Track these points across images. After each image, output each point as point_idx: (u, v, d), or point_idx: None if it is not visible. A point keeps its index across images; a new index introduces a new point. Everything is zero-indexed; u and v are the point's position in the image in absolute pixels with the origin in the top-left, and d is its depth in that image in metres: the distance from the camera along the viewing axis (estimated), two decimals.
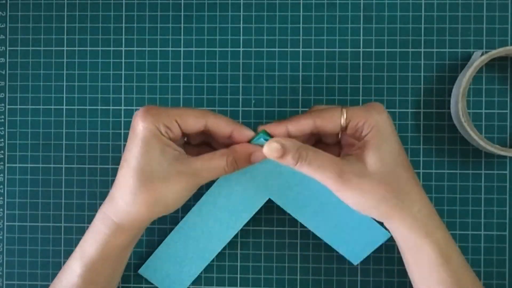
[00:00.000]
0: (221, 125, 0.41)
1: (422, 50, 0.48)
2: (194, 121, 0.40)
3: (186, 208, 0.46)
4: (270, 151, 0.39)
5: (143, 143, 0.39)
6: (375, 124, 0.39)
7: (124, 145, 0.49)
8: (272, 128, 0.41)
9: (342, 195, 0.39)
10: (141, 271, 0.47)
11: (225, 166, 0.40)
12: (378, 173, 0.38)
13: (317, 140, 0.44)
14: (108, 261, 0.42)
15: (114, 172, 0.49)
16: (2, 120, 0.50)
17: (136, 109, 0.49)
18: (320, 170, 0.39)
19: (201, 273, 0.49)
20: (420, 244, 0.39)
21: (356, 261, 0.46)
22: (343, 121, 0.40)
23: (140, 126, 0.39)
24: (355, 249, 0.46)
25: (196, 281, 0.49)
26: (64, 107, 0.50)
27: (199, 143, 0.45)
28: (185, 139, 0.44)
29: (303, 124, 0.40)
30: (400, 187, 0.39)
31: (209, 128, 0.41)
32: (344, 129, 0.40)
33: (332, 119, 0.40)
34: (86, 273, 0.42)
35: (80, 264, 0.42)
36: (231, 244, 0.49)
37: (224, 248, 0.49)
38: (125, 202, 0.40)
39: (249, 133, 0.41)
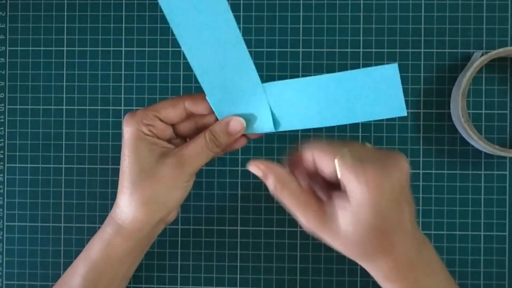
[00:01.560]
0: (198, 101, 0.41)
1: (422, 50, 0.48)
2: (172, 109, 0.41)
3: (186, 209, 0.46)
4: (252, 168, 0.38)
5: (129, 146, 0.40)
6: (351, 196, 0.36)
7: None
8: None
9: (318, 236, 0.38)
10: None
11: (205, 144, 0.40)
12: (347, 237, 0.36)
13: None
14: (110, 262, 0.42)
15: (114, 172, 0.49)
16: (2, 120, 0.50)
17: (136, 109, 0.49)
18: (294, 210, 0.37)
19: (201, 273, 0.49)
20: None
21: (402, 111, 0.39)
22: (339, 174, 0.36)
23: (124, 131, 0.40)
24: (388, 102, 0.39)
25: (196, 282, 0.49)
26: (64, 107, 0.50)
27: (192, 133, 0.44)
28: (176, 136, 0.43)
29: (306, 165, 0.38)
30: (367, 253, 0.37)
31: (190, 110, 0.41)
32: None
33: (328, 164, 0.37)
34: (89, 273, 0.42)
35: (84, 263, 0.42)
36: (231, 244, 0.49)
37: (224, 248, 0.49)
38: (124, 204, 0.40)
39: None
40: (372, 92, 0.39)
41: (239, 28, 0.49)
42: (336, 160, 0.36)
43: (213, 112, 0.41)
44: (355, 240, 0.36)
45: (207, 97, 0.40)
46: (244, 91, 0.40)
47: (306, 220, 0.37)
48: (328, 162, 0.37)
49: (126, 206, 0.40)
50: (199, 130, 0.42)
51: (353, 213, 0.36)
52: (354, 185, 0.35)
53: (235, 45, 0.38)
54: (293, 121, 0.40)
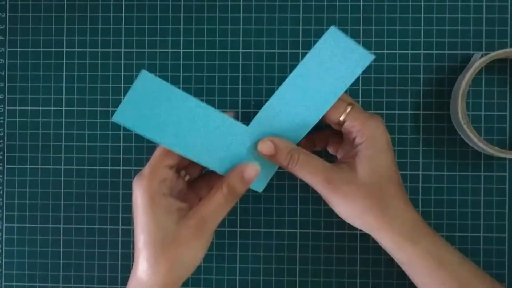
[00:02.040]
0: None
1: (422, 51, 0.48)
2: (172, 153, 0.40)
3: None
4: (262, 149, 0.40)
5: (146, 214, 0.39)
6: (369, 135, 0.40)
7: (124, 147, 0.49)
8: None
9: (330, 201, 0.40)
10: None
11: (223, 199, 0.40)
12: (365, 184, 0.39)
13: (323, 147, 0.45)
14: None
15: (114, 173, 0.49)
16: (1, 121, 0.50)
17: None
18: (310, 175, 0.40)
19: (200, 274, 0.49)
20: (410, 254, 0.40)
21: (368, 56, 0.40)
22: (343, 116, 0.41)
23: (138, 197, 0.39)
24: (352, 58, 0.40)
25: (196, 282, 0.49)
26: (64, 108, 0.50)
27: (204, 175, 0.45)
28: (186, 178, 0.43)
29: None
30: (384, 200, 0.39)
31: None
32: (340, 124, 0.41)
33: (336, 109, 0.41)
34: None
35: None
36: (230, 245, 0.49)
37: (223, 249, 0.49)
38: (148, 276, 0.39)
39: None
40: (334, 61, 0.40)
41: (239, 29, 0.49)
42: (349, 107, 0.40)
43: None
44: (372, 186, 0.39)
45: (206, 166, 0.41)
46: (234, 143, 0.41)
47: (322, 179, 0.39)
48: (337, 107, 0.40)
49: (151, 277, 0.39)
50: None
51: (368, 160, 0.39)
52: (372, 130, 0.40)
53: (204, 114, 0.40)
54: (292, 135, 0.41)
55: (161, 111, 0.39)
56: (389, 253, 0.41)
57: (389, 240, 0.40)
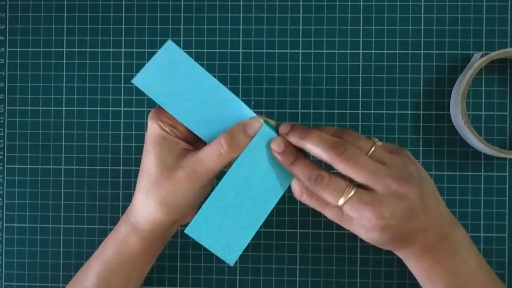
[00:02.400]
0: None
1: (422, 52, 0.48)
2: None
3: None
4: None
5: (151, 143, 0.40)
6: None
7: (124, 146, 0.49)
8: (292, 135, 0.39)
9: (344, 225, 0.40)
10: (187, 231, 0.39)
11: (221, 148, 0.39)
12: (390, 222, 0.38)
13: None
14: (122, 262, 0.42)
15: (114, 173, 0.49)
16: (2, 121, 0.50)
17: (135, 111, 0.49)
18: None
19: (200, 274, 0.49)
20: (429, 272, 0.40)
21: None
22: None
23: (148, 127, 0.40)
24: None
25: (195, 282, 0.49)
26: (64, 108, 0.50)
27: None
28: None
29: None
30: (405, 236, 0.38)
31: None
32: None
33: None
34: (102, 272, 0.42)
35: (98, 262, 0.42)
36: None
37: None
38: (139, 203, 0.40)
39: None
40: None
41: (239, 29, 0.49)
42: (372, 149, 0.38)
43: None
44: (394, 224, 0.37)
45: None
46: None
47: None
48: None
49: (141, 206, 0.40)
50: None
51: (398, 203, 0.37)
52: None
53: (220, 95, 0.39)
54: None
55: (179, 83, 0.39)
56: (411, 269, 0.41)
57: (412, 261, 0.40)
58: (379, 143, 0.39)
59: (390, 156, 0.39)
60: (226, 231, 0.39)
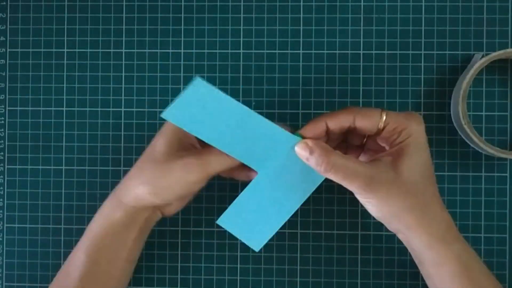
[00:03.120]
0: None
1: (423, 52, 0.48)
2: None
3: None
4: (299, 150, 0.40)
5: (167, 129, 0.41)
6: (413, 133, 0.39)
7: (124, 147, 0.49)
8: (308, 129, 0.41)
9: (367, 202, 0.39)
10: (219, 221, 0.42)
11: (228, 158, 0.40)
12: (407, 182, 0.38)
13: (342, 141, 0.44)
14: (109, 236, 0.42)
15: (114, 173, 0.49)
16: (2, 122, 0.50)
17: (136, 111, 0.49)
18: (347, 179, 0.38)
19: (201, 275, 0.49)
20: (440, 255, 0.39)
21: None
22: (381, 123, 0.40)
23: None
24: None
25: (196, 283, 0.49)
26: (64, 108, 0.50)
27: None
28: None
29: (342, 121, 0.40)
30: (425, 200, 0.39)
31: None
32: (380, 131, 0.40)
33: (372, 119, 0.40)
34: (90, 249, 0.42)
35: (86, 238, 0.43)
36: (231, 246, 0.49)
37: (224, 250, 0.49)
38: (130, 177, 0.41)
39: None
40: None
41: (240, 30, 0.49)
42: (384, 113, 0.40)
43: None
44: (414, 185, 0.39)
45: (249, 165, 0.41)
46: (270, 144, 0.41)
47: (362, 183, 0.38)
48: (373, 119, 0.40)
49: (130, 180, 0.41)
50: None
51: (411, 157, 0.39)
52: (414, 128, 0.39)
53: (250, 119, 0.40)
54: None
55: (209, 113, 0.39)
56: (416, 253, 0.41)
57: (422, 240, 0.39)
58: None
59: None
60: (255, 223, 0.42)
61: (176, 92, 0.49)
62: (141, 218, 0.43)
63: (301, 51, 0.49)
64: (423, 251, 0.40)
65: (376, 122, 0.40)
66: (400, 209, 0.39)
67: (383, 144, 0.42)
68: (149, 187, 0.40)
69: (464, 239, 0.41)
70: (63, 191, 0.50)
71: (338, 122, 0.40)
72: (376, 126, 0.40)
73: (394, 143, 0.40)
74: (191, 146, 0.42)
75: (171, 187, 0.40)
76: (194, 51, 0.49)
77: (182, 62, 0.49)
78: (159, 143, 0.41)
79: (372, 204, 0.39)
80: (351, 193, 0.40)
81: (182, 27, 0.49)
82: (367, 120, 0.40)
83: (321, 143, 0.39)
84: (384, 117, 0.40)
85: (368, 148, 0.44)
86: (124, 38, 0.49)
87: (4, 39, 0.50)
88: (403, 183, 0.38)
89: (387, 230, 0.43)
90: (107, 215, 0.42)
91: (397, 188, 0.38)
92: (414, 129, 0.39)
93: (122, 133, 0.49)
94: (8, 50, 0.50)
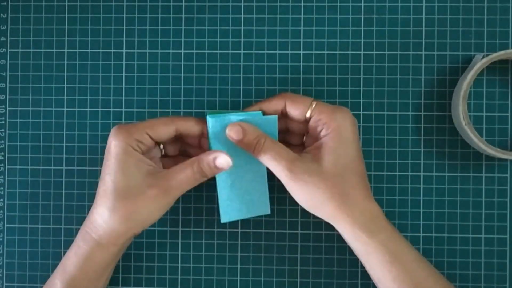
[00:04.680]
0: (189, 125, 0.43)
1: (423, 53, 0.48)
2: (163, 128, 0.42)
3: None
4: (232, 132, 0.41)
5: (117, 161, 0.40)
6: (335, 127, 0.41)
7: None
8: (246, 109, 0.43)
9: (291, 190, 0.41)
10: (223, 221, 0.45)
11: (192, 174, 0.41)
12: (327, 174, 0.40)
13: (282, 141, 0.45)
14: (88, 277, 0.42)
15: None
16: (3, 122, 0.50)
17: (136, 111, 0.49)
18: (274, 161, 0.41)
19: (201, 275, 0.49)
20: (366, 245, 0.40)
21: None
22: (309, 112, 0.42)
23: (112, 144, 0.41)
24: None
25: (196, 283, 0.49)
26: (65, 109, 0.50)
27: (177, 154, 0.46)
28: (163, 152, 0.45)
29: (275, 104, 0.43)
30: (345, 190, 0.40)
31: (180, 131, 0.43)
32: (307, 120, 0.42)
33: (301, 106, 0.42)
34: None
35: (61, 280, 0.42)
36: (231, 246, 0.49)
37: (224, 251, 0.49)
38: (103, 219, 0.41)
39: None
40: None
41: (240, 30, 0.49)
42: (314, 102, 0.42)
43: (201, 136, 0.44)
44: (335, 176, 0.40)
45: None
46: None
47: (284, 167, 0.40)
48: (302, 106, 0.42)
49: (106, 222, 0.41)
50: (184, 153, 0.46)
51: (333, 151, 0.40)
52: (338, 122, 0.41)
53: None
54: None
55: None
56: (349, 244, 0.42)
57: (347, 231, 0.41)
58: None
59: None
60: (249, 199, 0.45)
61: (176, 93, 0.49)
62: (121, 251, 0.43)
63: (301, 52, 0.49)
64: (351, 241, 0.41)
65: (304, 110, 0.42)
66: (321, 198, 0.40)
67: (312, 137, 0.43)
68: (129, 223, 0.41)
69: (396, 230, 0.41)
70: (63, 191, 0.50)
71: (270, 106, 0.43)
72: (305, 114, 0.42)
73: (319, 136, 0.42)
74: (151, 168, 0.41)
75: (152, 215, 0.41)
76: (194, 51, 0.49)
77: (182, 63, 0.49)
78: (119, 179, 0.40)
79: (295, 193, 0.41)
80: None
81: (183, 27, 0.49)
82: (296, 107, 0.42)
83: (252, 126, 0.42)
84: (313, 106, 0.41)
85: (307, 146, 0.44)
86: (124, 39, 0.49)
87: (5, 39, 0.50)
88: (323, 175, 0.40)
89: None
90: (87, 258, 0.42)
91: (318, 178, 0.40)
92: (338, 123, 0.41)
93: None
94: (8, 50, 0.50)
